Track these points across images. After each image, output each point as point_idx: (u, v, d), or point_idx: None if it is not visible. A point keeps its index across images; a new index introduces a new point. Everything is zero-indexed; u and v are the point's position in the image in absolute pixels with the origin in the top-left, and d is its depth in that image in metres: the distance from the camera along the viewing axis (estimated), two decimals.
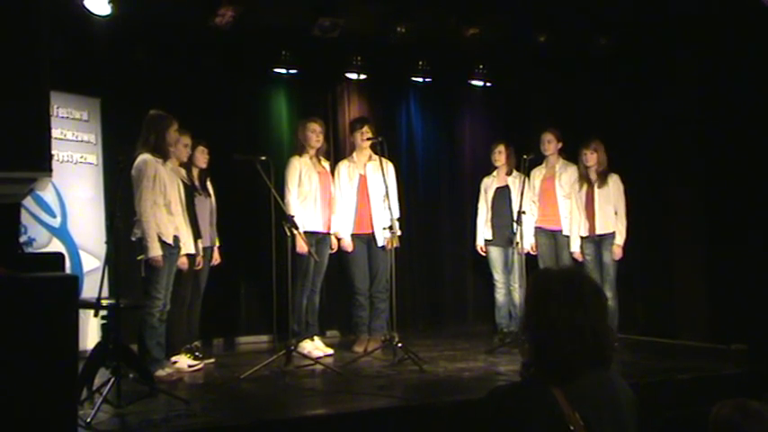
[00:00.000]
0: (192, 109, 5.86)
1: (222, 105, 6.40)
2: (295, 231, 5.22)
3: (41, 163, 5.13)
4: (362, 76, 6.90)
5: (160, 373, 4.67)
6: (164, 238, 4.71)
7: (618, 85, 6.65)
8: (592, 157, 6.03)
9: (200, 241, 5.31)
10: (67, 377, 3.12)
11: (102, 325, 4.13)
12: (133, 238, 4.73)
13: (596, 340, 1.79)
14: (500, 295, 6.52)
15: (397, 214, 5.79)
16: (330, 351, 5.80)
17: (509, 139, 6.64)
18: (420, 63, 6.98)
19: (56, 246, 5.53)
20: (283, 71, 6.60)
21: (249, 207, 6.31)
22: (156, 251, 4.64)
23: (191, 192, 5.29)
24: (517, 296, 6.35)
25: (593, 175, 6.06)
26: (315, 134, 5.76)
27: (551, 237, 6.32)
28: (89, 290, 5.25)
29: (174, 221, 4.82)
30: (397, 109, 7.41)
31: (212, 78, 6.32)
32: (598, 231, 6.01)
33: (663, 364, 5.23)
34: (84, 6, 5.21)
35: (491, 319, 6.71)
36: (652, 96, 6.47)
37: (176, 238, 4.82)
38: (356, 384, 4.74)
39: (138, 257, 4.68)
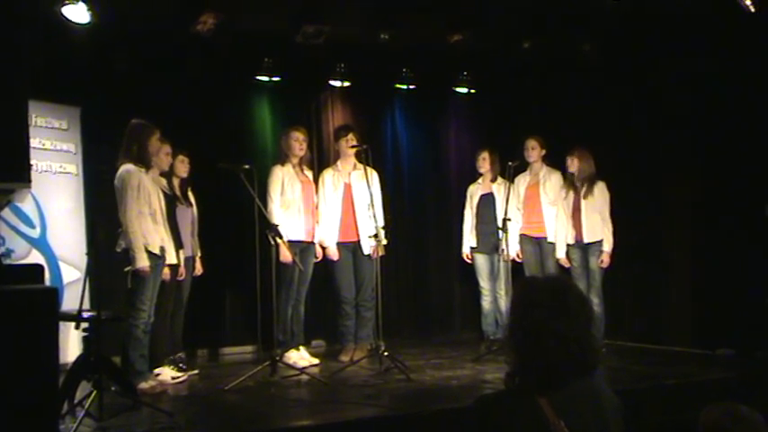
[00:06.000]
0: (173, 117, 5.85)
1: (204, 113, 6.38)
2: (279, 240, 5.22)
3: (20, 173, 5.11)
4: (346, 84, 6.91)
5: (143, 385, 4.64)
6: (150, 249, 4.69)
7: (603, 91, 6.70)
8: (573, 164, 6.09)
9: (181, 251, 5.30)
10: (48, 390, 3.10)
11: (84, 337, 4.11)
12: (118, 250, 4.70)
13: (581, 349, 1.80)
14: (486, 303, 6.55)
15: (382, 222, 5.80)
16: (316, 361, 5.79)
17: (493, 145, 6.67)
18: (404, 70, 7.02)
19: (35, 257, 5.48)
20: (266, 78, 6.60)
21: (232, 216, 6.29)
22: (143, 262, 4.62)
23: (172, 201, 5.27)
24: (503, 303, 6.37)
25: (578, 183, 6.11)
26: (298, 143, 5.77)
27: (536, 244, 6.35)
28: (70, 302, 5.22)
29: (159, 231, 4.81)
30: (382, 116, 7.43)
31: (194, 86, 6.31)
32: (585, 240, 6.06)
33: (650, 370, 5.27)
34: (62, 14, 5.20)
35: (477, 327, 6.73)
36: (638, 102, 6.53)
37: (162, 249, 4.81)
38: (342, 394, 4.73)
39: (126, 269, 4.66)
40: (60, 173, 5.79)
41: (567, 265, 6.19)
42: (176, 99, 6.22)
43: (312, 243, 5.89)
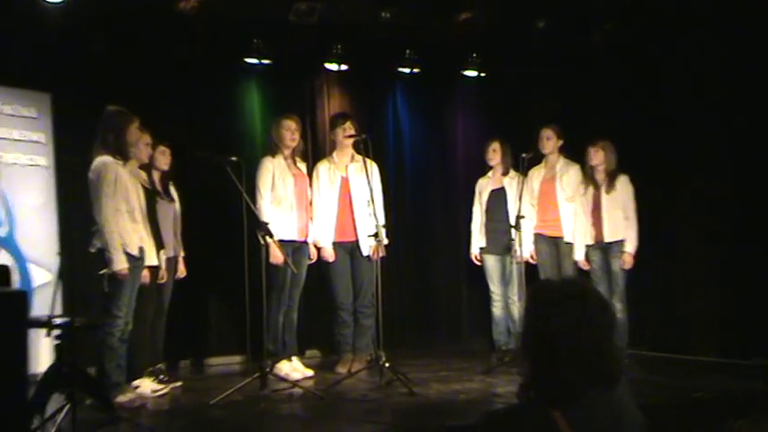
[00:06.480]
0: (153, 104, 5.87)
1: (188, 100, 6.40)
2: (269, 240, 5.23)
3: None
4: (343, 67, 6.93)
5: (121, 398, 4.67)
6: (128, 250, 4.71)
7: (625, 75, 6.70)
8: (597, 156, 6.09)
9: (162, 252, 5.33)
10: (17, 403, 3.11)
11: (56, 345, 4.13)
12: (92, 250, 4.72)
13: (601, 359, 1.81)
14: (497, 309, 6.56)
15: (382, 220, 5.82)
16: (310, 373, 5.82)
17: (505, 135, 6.68)
18: (407, 52, 7.03)
19: (2, 258, 5.50)
20: (255, 61, 6.61)
21: (218, 213, 6.31)
22: (121, 264, 4.64)
23: (152, 197, 5.30)
24: (516, 310, 6.39)
25: (599, 176, 6.12)
26: (290, 132, 5.78)
27: (552, 244, 6.37)
28: (40, 307, 5.23)
29: (137, 230, 4.83)
30: (383, 103, 7.45)
31: (176, 70, 6.33)
32: (606, 239, 6.07)
33: (677, 382, 5.28)
34: None
35: (488, 336, 6.75)
36: (663, 88, 6.52)
37: (141, 249, 4.84)
38: (339, 409, 4.76)
39: (101, 272, 4.68)
40: (30, 165, 5.81)
41: (586, 267, 6.20)
42: (157, 84, 6.23)
43: (306, 243, 5.90)
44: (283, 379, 5.40)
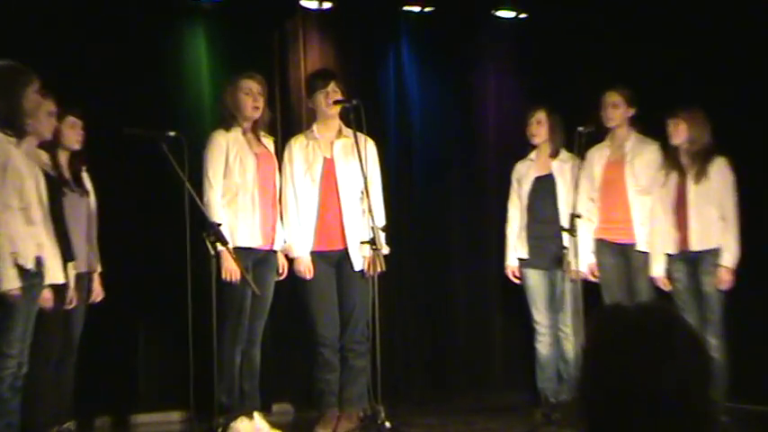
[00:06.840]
0: (59, 60, 5.85)
1: (106, 54, 6.39)
2: (221, 247, 5.23)
3: None
4: (326, 5, 6.93)
5: None
6: (20, 262, 4.69)
7: (720, 19, 6.68)
8: (678, 132, 6.07)
9: (71, 265, 5.32)
10: None
11: None
12: None
13: (691, 418, 1.80)
14: (543, 346, 6.56)
15: (381, 220, 5.81)
16: None
17: (554, 102, 6.67)
18: None
19: None
20: None
21: (150, 211, 6.30)
22: (10, 282, 4.62)
23: (57, 187, 5.29)
24: (570, 347, 6.39)
25: (684, 160, 6.11)
26: (251, 97, 5.78)
27: (620, 254, 6.37)
28: None
29: (35, 235, 4.81)
30: (381, 56, 7.46)
31: (90, 12, 6.32)
32: (694, 247, 6.06)
33: None
34: None
35: (530, 384, 6.74)
36: None
37: (39, 261, 4.81)
38: None
39: None
40: None
41: (667, 286, 6.20)
42: (65, 32, 6.23)
43: (273, 251, 5.91)
44: None
